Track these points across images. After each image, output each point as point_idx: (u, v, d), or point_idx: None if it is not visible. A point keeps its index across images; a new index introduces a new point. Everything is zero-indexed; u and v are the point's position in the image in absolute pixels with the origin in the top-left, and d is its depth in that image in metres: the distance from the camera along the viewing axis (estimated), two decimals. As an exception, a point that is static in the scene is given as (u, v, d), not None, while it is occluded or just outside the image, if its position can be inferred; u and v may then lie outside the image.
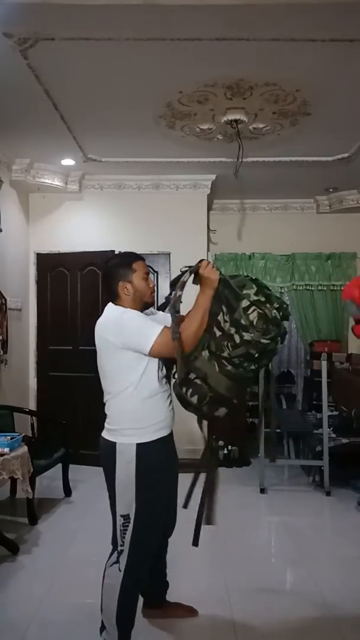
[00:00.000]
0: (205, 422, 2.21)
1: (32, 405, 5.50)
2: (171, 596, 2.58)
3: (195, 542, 2.21)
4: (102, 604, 2.18)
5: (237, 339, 1.95)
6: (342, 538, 3.67)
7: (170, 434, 2.24)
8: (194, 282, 2.09)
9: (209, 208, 5.97)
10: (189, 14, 2.66)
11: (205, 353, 2.02)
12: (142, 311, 2.19)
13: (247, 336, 1.94)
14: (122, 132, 4.34)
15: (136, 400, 2.11)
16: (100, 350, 2.16)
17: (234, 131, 4.04)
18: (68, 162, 5.02)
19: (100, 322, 2.17)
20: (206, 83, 3.44)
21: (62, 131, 4.22)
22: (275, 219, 6.37)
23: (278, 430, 5.06)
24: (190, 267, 2.08)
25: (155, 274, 5.52)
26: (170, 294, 2.09)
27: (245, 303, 1.97)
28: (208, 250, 5.79)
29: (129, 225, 5.56)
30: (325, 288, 6.28)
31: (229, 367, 1.99)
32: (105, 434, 2.19)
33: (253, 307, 1.96)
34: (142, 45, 2.96)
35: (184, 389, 2.05)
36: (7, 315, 4.82)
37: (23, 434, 3.65)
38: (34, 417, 4.65)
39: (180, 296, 2.02)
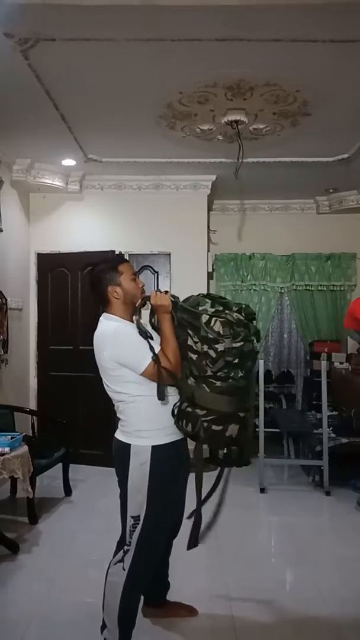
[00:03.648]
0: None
1: (32, 404, 5.51)
2: (171, 596, 2.58)
3: (190, 546, 2.19)
4: (104, 602, 2.18)
5: (212, 354, 1.97)
6: (341, 538, 3.67)
7: (183, 438, 2.20)
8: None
9: (209, 208, 5.97)
10: (189, 14, 2.66)
11: (191, 380, 2.04)
12: (134, 314, 2.20)
13: (219, 347, 1.96)
14: (122, 132, 4.35)
15: (148, 405, 2.09)
16: (101, 365, 2.15)
17: (234, 132, 4.04)
18: (69, 162, 5.02)
19: (96, 336, 2.16)
20: (206, 83, 3.45)
21: (63, 131, 4.23)
22: (276, 220, 6.37)
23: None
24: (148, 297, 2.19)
25: (156, 274, 5.53)
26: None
27: (205, 318, 2.00)
28: (208, 250, 5.79)
29: (130, 225, 5.57)
30: (325, 288, 6.30)
31: (218, 383, 2.00)
32: (119, 435, 2.18)
33: (214, 319, 1.99)
34: (142, 46, 2.97)
35: (180, 422, 2.07)
36: (8, 315, 4.83)
37: (23, 434, 3.66)
38: (34, 417, 4.66)
39: (138, 320, 2.16)
